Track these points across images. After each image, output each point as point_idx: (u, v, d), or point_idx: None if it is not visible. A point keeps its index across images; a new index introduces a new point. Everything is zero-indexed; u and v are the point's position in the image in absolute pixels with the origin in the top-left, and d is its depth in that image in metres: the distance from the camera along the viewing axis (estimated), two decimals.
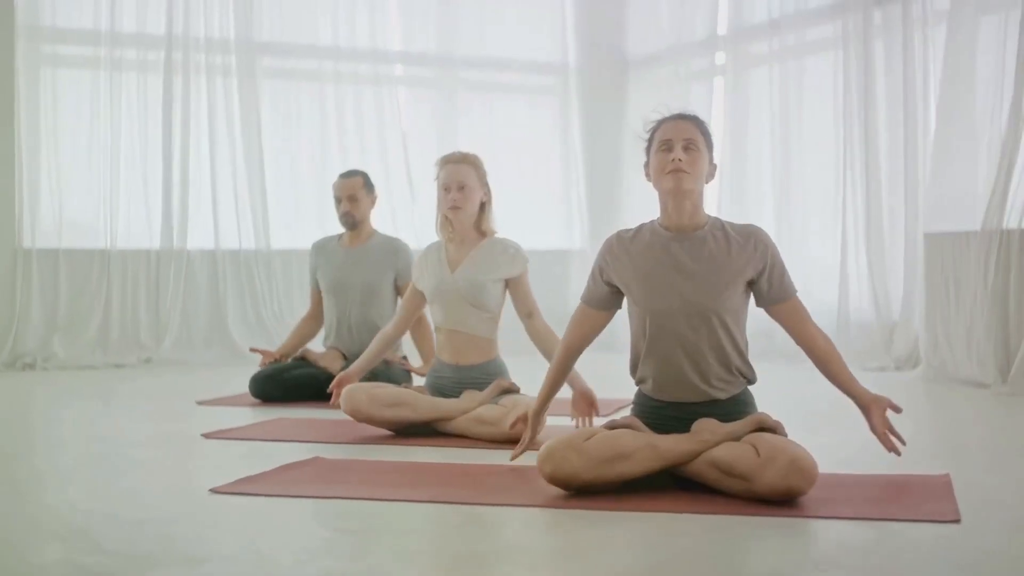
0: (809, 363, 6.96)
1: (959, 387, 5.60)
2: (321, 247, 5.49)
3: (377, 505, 2.90)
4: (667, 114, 3.14)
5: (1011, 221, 5.48)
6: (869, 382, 5.89)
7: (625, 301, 3.20)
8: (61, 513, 2.85)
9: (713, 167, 3.13)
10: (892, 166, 6.63)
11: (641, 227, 3.16)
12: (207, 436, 4.09)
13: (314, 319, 5.53)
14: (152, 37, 7.53)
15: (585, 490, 2.92)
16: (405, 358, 5.35)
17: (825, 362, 3.11)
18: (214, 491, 3.04)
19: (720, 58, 7.87)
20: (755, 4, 7.59)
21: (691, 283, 3.02)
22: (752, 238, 3.06)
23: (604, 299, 3.19)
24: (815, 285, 7.06)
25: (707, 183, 3.13)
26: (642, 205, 8.51)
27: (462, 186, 4.14)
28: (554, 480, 2.92)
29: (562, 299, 8.60)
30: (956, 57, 5.87)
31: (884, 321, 6.63)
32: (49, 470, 3.50)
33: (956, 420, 4.75)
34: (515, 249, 4.20)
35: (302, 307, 7.78)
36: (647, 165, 3.13)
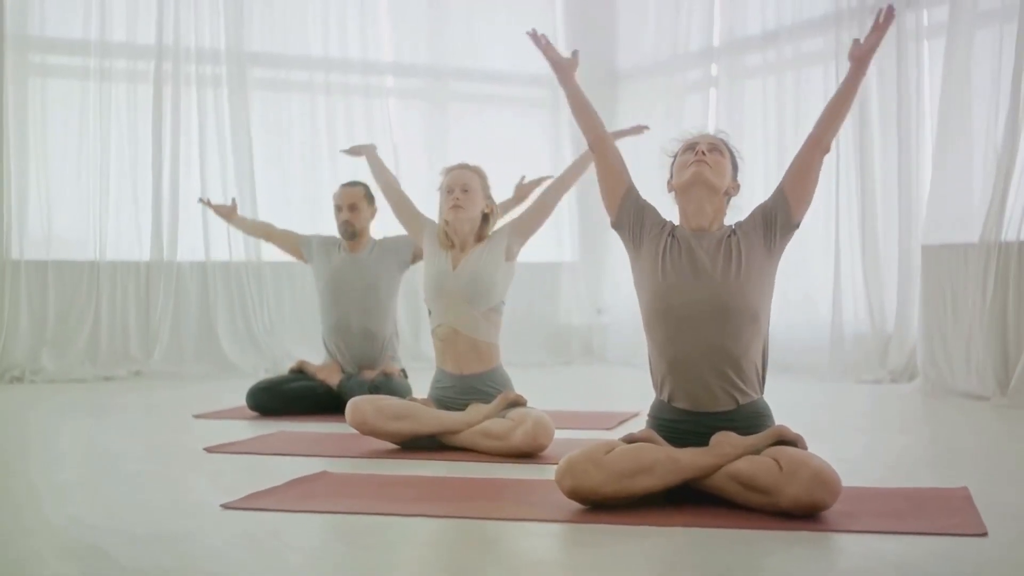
0: (807, 375, 6.90)
1: (957, 400, 5.59)
2: (327, 240, 5.42)
3: (393, 520, 2.85)
4: (693, 134, 3.17)
5: (1009, 233, 5.48)
6: (864, 395, 5.96)
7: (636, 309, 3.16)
8: (70, 530, 2.79)
9: (736, 185, 3.13)
10: (886, 178, 6.63)
11: (673, 226, 3.13)
12: (209, 450, 4.03)
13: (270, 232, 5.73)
14: (142, 47, 7.48)
15: (605, 504, 2.88)
16: (404, 371, 5.30)
17: (842, 110, 3.07)
18: (225, 507, 2.99)
19: (714, 70, 7.87)
20: (749, 16, 7.60)
21: (713, 280, 2.99)
22: (742, 226, 3.09)
23: (627, 203, 3.12)
24: (810, 297, 7.06)
25: (729, 197, 3.13)
26: None
27: (466, 188, 4.13)
28: (574, 494, 2.88)
29: (553, 311, 8.59)
30: (953, 70, 5.88)
31: (879, 334, 6.62)
32: (52, 486, 3.42)
33: (960, 433, 4.73)
34: (499, 227, 4.26)
35: (293, 319, 7.77)
36: (670, 180, 3.13)
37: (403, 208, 4.41)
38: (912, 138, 6.46)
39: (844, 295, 6.84)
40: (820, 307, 6.96)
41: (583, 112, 3.23)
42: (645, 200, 3.16)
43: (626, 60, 8.75)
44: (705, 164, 3.06)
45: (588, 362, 8.40)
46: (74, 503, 3.12)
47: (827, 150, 3.05)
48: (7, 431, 4.92)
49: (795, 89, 7.28)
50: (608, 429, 4.57)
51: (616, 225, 3.16)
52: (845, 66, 6.65)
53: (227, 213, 5.76)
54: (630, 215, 3.13)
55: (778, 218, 3.06)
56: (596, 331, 8.62)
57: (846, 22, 6.82)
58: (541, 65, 9.37)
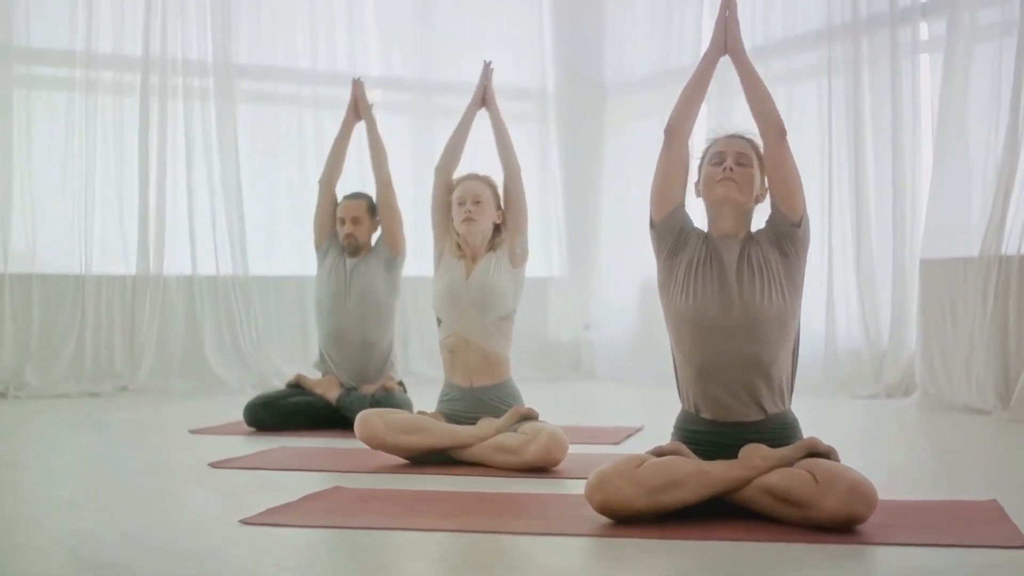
0: (801, 391, 6.91)
1: (957, 414, 5.57)
2: (338, 245, 5.31)
3: (415, 535, 2.79)
4: (721, 134, 3.11)
5: (1009, 247, 5.48)
6: (860, 410, 5.93)
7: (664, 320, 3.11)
8: (85, 546, 2.71)
9: (765, 191, 3.09)
10: (880, 192, 6.62)
11: (705, 235, 3.08)
12: (214, 466, 3.94)
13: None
14: (128, 59, 7.37)
15: (635, 519, 2.82)
16: (402, 384, 5.23)
17: (759, 94, 3.08)
18: (244, 522, 2.92)
19: None
20: (741, 30, 7.56)
21: (740, 293, 2.96)
22: (758, 235, 3.05)
23: (677, 214, 3.06)
24: (803, 312, 7.03)
25: (758, 203, 3.09)
26: (622, 231, 8.49)
27: (477, 200, 4.10)
28: (605, 509, 2.82)
29: (541, 327, 8.52)
30: (951, 83, 5.88)
31: (874, 349, 6.60)
32: (57, 502, 3.32)
33: (965, 446, 4.71)
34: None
35: (281, 334, 7.68)
36: (698, 183, 3.09)
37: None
38: (907, 152, 6.45)
39: (837, 310, 6.82)
40: (813, 322, 6.91)
41: (697, 97, 3.13)
42: (687, 212, 3.12)
43: (615, 74, 8.71)
44: (732, 182, 3.01)
45: (577, 378, 8.35)
46: (84, 520, 3.03)
47: (782, 131, 3.01)
48: (7, 446, 4.80)
49: (787, 104, 7.24)
50: (615, 444, 4.51)
51: (659, 228, 3.08)
52: (837, 81, 6.78)
53: (362, 109, 5.29)
54: (676, 227, 3.07)
55: (778, 223, 3.02)
56: (584, 346, 8.56)
57: (838, 37, 6.81)
58: (529, 78, 9.31)
